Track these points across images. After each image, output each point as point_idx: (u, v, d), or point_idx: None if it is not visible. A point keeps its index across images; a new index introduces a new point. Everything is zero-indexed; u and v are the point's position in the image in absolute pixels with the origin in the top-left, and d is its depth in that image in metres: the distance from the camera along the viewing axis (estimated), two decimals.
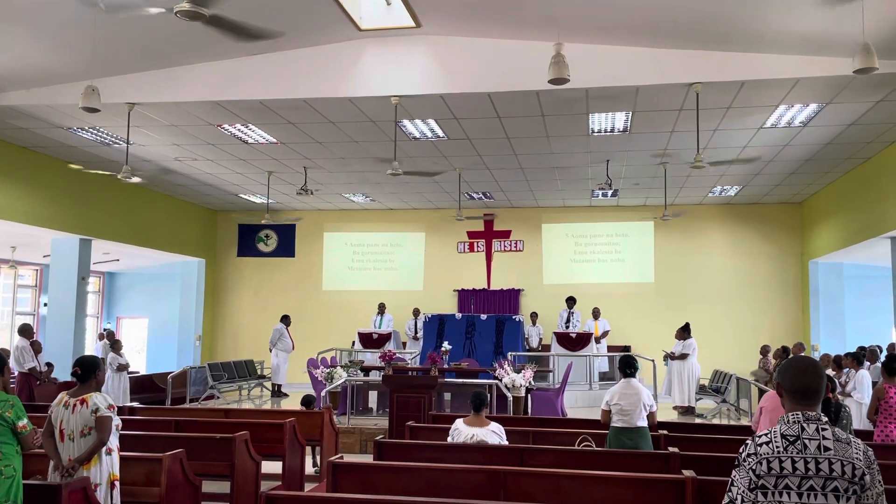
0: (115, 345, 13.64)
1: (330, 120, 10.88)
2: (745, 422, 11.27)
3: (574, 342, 14.26)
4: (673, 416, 12.27)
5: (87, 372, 4.96)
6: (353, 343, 15.71)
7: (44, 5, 7.96)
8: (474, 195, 16.51)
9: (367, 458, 6.82)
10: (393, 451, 6.39)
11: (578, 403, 13.08)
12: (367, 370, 12.74)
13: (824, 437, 2.68)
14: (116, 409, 5.03)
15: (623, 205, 17.40)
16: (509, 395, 10.37)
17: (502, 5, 8.41)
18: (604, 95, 9.64)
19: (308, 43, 9.58)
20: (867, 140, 11.59)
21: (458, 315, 15.50)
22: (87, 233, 14.30)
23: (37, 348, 12.09)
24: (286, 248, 19.05)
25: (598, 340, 14.98)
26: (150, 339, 20.47)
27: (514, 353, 13.20)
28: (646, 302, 17.37)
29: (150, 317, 20.54)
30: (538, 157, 12.96)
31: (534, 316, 16.36)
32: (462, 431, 6.26)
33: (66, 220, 13.69)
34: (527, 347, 15.43)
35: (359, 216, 18.70)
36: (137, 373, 16.12)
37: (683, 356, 12.77)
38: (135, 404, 11.02)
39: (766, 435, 2.76)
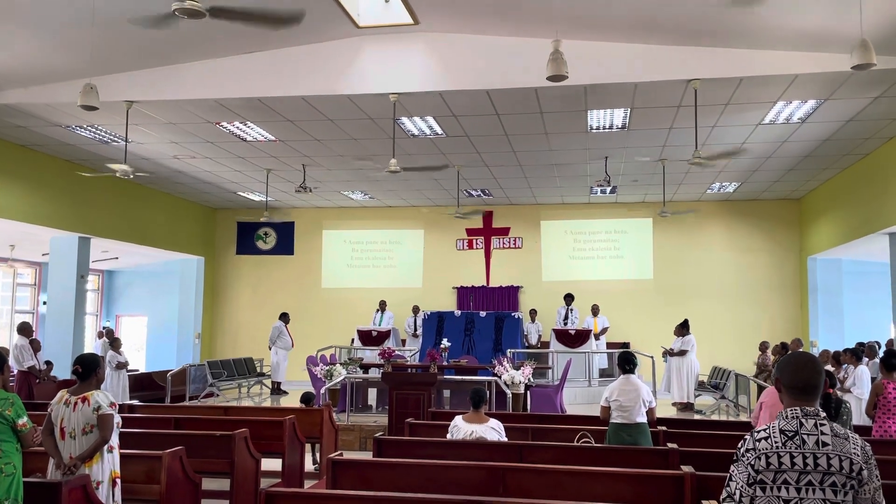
0: (114, 343, 13.65)
1: (328, 117, 10.88)
2: (743, 418, 11.30)
3: (573, 339, 14.27)
4: (672, 413, 12.29)
5: (88, 370, 4.97)
6: (353, 340, 15.71)
7: (42, 3, 7.95)
8: (473, 192, 16.51)
9: (367, 455, 6.83)
10: (392, 448, 6.39)
11: (577, 400, 13.10)
12: (366, 367, 12.76)
13: (822, 433, 2.69)
14: (118, 406, 5.04)
15: (622, 201, 17.40)
16: (508, 391, 10.38)
17: (500, 2, 8.40)
18: (602, 92, 9.64)
19: (306, 40, 9.57)
20: (865, 136, 11.59)
21: (458, 312, 15.50)
22: (86, 231, 14.30)
23: (36, 347, 12.10)
24: (285, 245, 19.06)
25: (597, 337, 15.00)
26: (149, 337, 20.48)
27: (513, 350, 13.21)
28: (645, 298, 17.38)
29: (150, 315, 20.55)
30: (537, 154, 12.97)
31: (533, 313, 16.38)
32: (461, 428, 6.28)
33: (65, 219, 13.68)
34: (526, 344, 15.43)
35: (358, 214, 18.70)
36: (137, 371, 16.14)
37: (682, 352, 12.79)
38: (134, 402, 11.02)
39: (764, 430, 2.77)
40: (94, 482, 4.77)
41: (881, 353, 9.58)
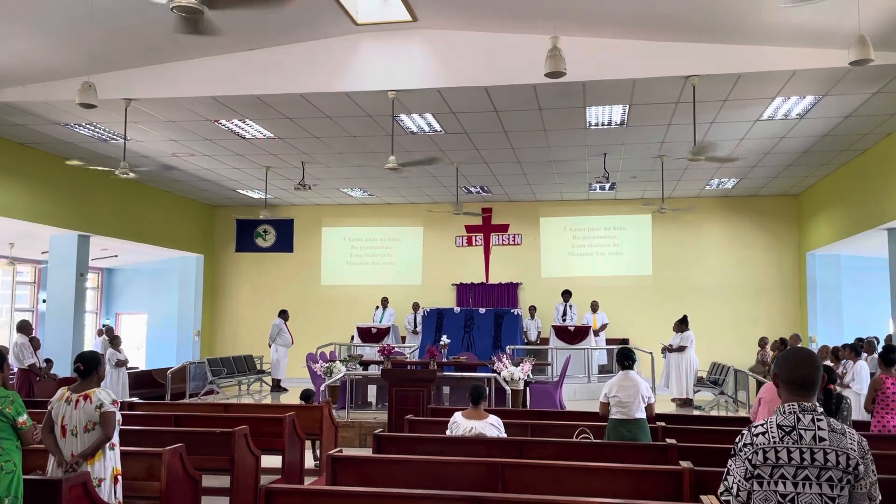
0: (113, 341, 13.66)
1: (327, 115, 10.88)
2: (742, 413, 11.31)
3: (572, 335, 14.29)
4: (671, 408, 12.31)
5: (90, 367, 4.98)
6: (352, 338, 15.73)
7: (41, 1, 7.94)
8: (472, 189, 16.52)
9: (367, 452, 6.85)
10: (392, 445, 6.41)
11: (577, 396, 13.12)
12: (366, 364, 12.77)
13: (819, 428, 2.70)
14: (119, 404, 5.06)
15: (620, 198, 17.41)
16: (508, 388, 10.40)
17: None
18: (601, 89, 9.64)
19: (305, 37, 9.57)
20: (864, 132, 11.60)
21: (457, 309, 15.51)
22: (86, 229, 14.30)
23: (35, 345, 12.11)
24: (284, 243, 19.07)
25: (596, 333, 15.02)
26: (149, 335, 20.48)
27: (512, 347, 13.22)
28: (644, 295, 17.40)
29: (149, 312, 20.55)
30: (535, 151, 12.97)
31: (532, 309, 16.39)
32: (461, 424, 6.29)
33: (65, 217, 13.69)
34: (525, 341, 15.45)
35: (357, 211, 18.71)
36: (137, 368, 16.16)
37: (681, 348, 12.81)
38: (134, 400, 11.03)
39: (762, 425, 2.79)
40: (96, 479, 4.79)
41: (880, 349, 9.60)
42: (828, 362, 9.99)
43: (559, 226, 18.05)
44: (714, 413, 12.08)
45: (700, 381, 13.24)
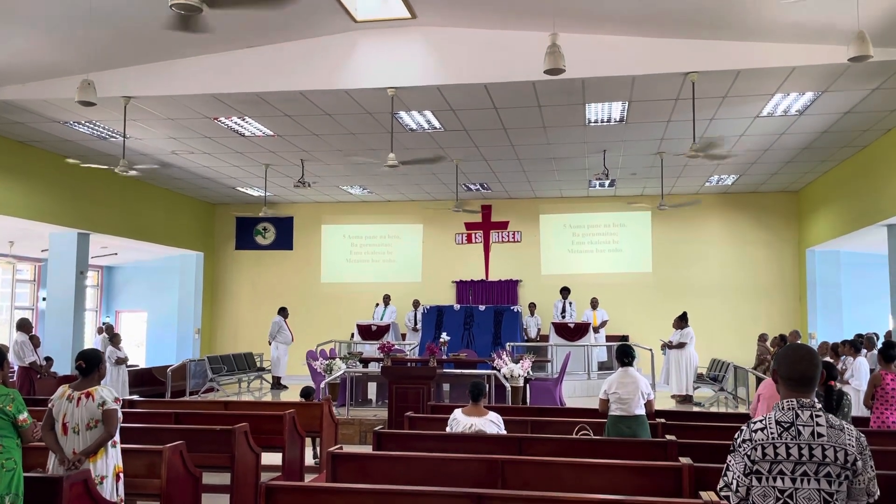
0: (113, 338, 13.67)
1: (326, 112, 10.88)
2: (742, 409, 11.33)
3: (572, 332, 14.30)
4: (671, 405, 12.32)
5: (91, 365, 5.00)
6: (352, 335, 15.74)
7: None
8: (472, 186, 16.51)
9: (367, 449, 6.84)
10: (392, 442, 6.42)
11: (577, 393, 13.12)
12: (365, 362, 12.78)
13: (818, 424, 2.71)
14: (121, 402, 5.08)
15: (620, 195, 17.41)
16: (508, 385, 10.40)
17: None
18: (600, 85, 9.64)
19: (304, 35, 9.56)
20: (863, 128, 11.60)
21: (457, 306, 15.51)
22: (85, 227, 14.30)
23: (35, 343, 12.12)
24: (284, 240, 19.07)
25: (596, 330, 15.02)
26: (149, 333, 20.50)
27: (512, 344, 13.22)
28: (643, 291, 17.41)
29: (149, 310, 20.57)
30: (535, 148, 12.97)
31: (532, 306, 16.40)
32: (460, 421, 6.30)
33: (64, 215, 13.69)
34: (525, 338, 15.46)
35: (356, 208, 18.70)
36: (137, 366, 16.16)
37: (681, 345, 12.81)
38: (135, 397, 11.04)
39: (760, 421, 2.80)
40: (98, 477, 4.80)
41: (879, 345, 9.61)
42: (827, 359, 10.00)
43: (559, 223, 18.05)
44: (714, 409, 12.08)
45: (700, 378, 13.25)
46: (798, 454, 2.67)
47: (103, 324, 17.75)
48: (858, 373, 9.72)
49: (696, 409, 12.03)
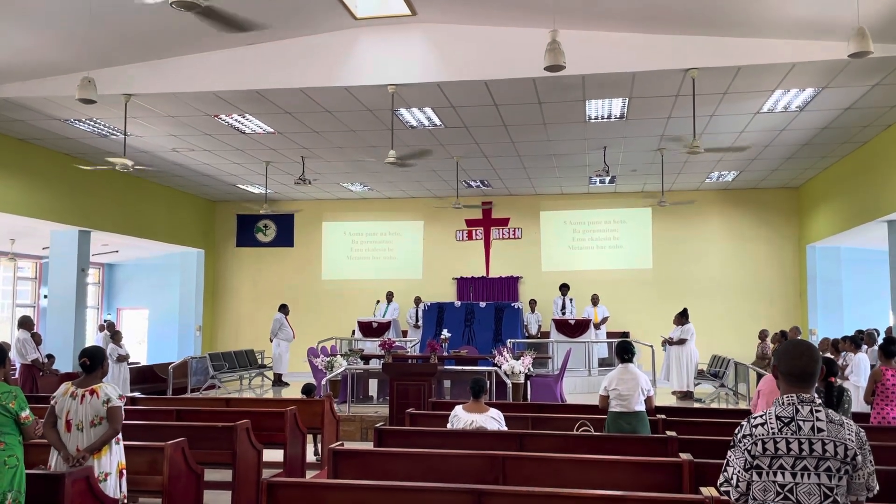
0: (115, 336, 13.68)
1: (327, 109, 10.88)
2: (743, 406, 11.34)
3: (573, 329, 14.31)
4: (671, 401, 12.34)
5: (95, 362, 5.02)
6: (353, 332, 15.76)
7: None
8: (472, 183, 16.51)
9: (368, 445, 6.87)
10: (393, 438, 6.43)
11: (577, 389, 13.14)
12: (367, 358, 12.79)
13: (818, 419, 2.72)
14: (125, 399, 5.10)
15: (621, 191, 17.41)
16: (508, 381, 10.42)
17: None
18: (600, 82, 9.63)
19: (304, 32, 9.56)
20: (864, 124, 11.59)
21: (458, 303, 15.54)
22: (86, 224, 14.32)
23: (37, 340, 12.13)
24: (285, 237, 19.08)
25: (597, 327, 15.03)
26: (150, 330, 20.51)
27: (513, 340, 13.25)
28: (644, 288, 17.41)
29: (151, 307, 20.58)
30: (535, 145, 12.97)
31: (532, 303, 16.41)
32: (461, 418, 6.31)
33: (65, 212, 13.70)
34: (526, 334, 15.47)
35: (357, 205, 18.71)
36: (138, 363, 16.18)
37: (682, 341, 12.83)
38: (136, 394, 11.07)
39: (760, 416, 2.81)
40: (102, 474, 4.83)
41: (880, 341, 9.61)
42: (828, 354, 10.01)
43: (559, 219, 18.05)
44: (714, 405, 12.10)
45: (700, 374, 13.27)
46: (798, 449, 2.68)
47: (105, 321, 17.76)
48: (858, 369, 9.74)
49: (696, 405, 12.05)
